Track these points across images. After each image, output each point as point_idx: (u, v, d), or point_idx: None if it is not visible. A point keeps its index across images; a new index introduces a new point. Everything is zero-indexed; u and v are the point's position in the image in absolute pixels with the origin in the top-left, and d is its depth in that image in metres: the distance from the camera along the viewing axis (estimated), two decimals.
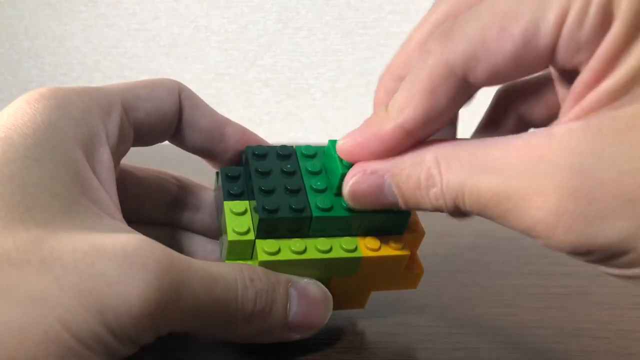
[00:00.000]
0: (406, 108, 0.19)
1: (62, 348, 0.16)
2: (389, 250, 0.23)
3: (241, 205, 0.23)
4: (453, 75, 0.18)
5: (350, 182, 0.21)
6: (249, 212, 0.23)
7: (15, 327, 0.15)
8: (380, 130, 0.19)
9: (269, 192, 0.22)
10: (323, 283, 0.23)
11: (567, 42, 0.16)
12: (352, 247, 0.23)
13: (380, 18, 0.69)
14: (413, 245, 0.24)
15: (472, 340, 0.25)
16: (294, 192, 0.23)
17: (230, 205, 0.23)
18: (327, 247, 0.22)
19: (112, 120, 0.21)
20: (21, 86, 0.73)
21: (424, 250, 0.35)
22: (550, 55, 0.17)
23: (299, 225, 0.22)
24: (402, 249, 0.23)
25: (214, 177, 0.26)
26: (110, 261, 0.17)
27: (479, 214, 0.19)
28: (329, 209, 0.22)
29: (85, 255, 0.17)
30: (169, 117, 0.24)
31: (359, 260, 0.23)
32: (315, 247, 0.22)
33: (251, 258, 0.23)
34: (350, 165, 0.21)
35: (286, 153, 0.24)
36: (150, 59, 0.71)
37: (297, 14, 0.69)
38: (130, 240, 0.18)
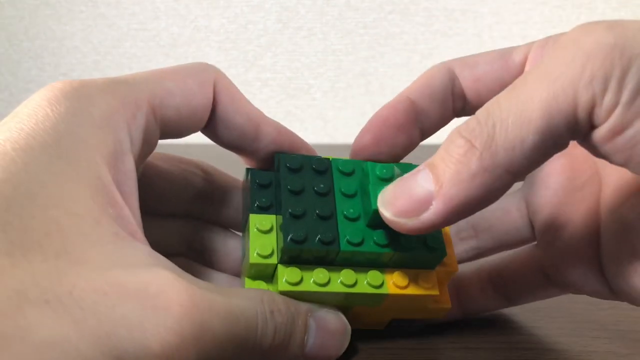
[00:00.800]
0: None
1: None
2: (417, 290, 0.21)
3: (267, 221, 0.22)
4: (447, 69, 0.24)
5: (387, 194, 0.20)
6: (274, 230, 0.22)
7: None
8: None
9: (298, 217, 0.21)
10: (343, 310, 0.22)
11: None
12: (378, 282, 0.21)
13: (380, 18, 0.69)
14: (444, 279, 0.23)
15: (472, 340, 0.25)
16: (325, 218, 0.21)
17: (256, 221, 0.22)
18: (352, 281, 0.21)
19: (137, 123, 0.20)
20: (21, 86, 0.73)
21: None
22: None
23: (326, 255, 0.21)
24: (431, 288, 0.22)
25: (241, 167, 0.25)
26: (131, 304, 0.16)
27: None
28: (359, 244, 0.21)
29: (106, 296, 0.16)
30: (199, 113, 0.22)
31: (385, 296, 0.21)
32: (339, 280, 0.21)
33: (272, 278, 0.22)
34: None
35: (322, 169, 0.23)
36: (150, 59, 0.71)
37: (297, 14, 0.69)
38: (153, 279, 0.17)
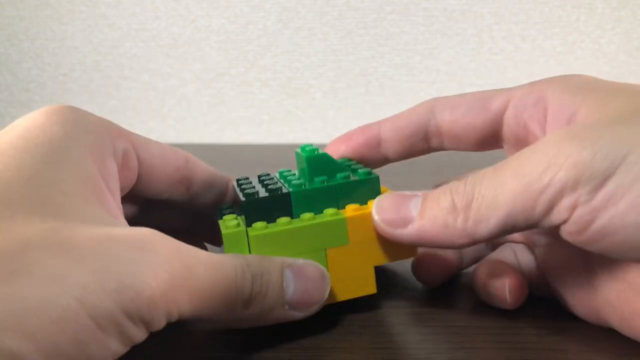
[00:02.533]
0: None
1: (79, 326, 0.16)
2: (370, 208, 0.25)
3: (232, 216, 0.26)
4: (429, 107, 0.31)
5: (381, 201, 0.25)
6: (240, 220, 0.25)
7: (34, 304, 0.16)
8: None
9: (249, 188, 0.26)
10: (320, 261, 0.25)
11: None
12: (334, 212, 0.25)
13: (380, 18, 0.69)
14: None
15: (472, 340, 0.25)
16: (272, 184, 0.26)
17: (224, 220, 0.26)
18: (311, 217, 0.25)
19: (119, 142, 0.24)
20: (21, 86, 0.73)
21: (423, 250, 0.35)
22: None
23: (280, 204, 0.25)
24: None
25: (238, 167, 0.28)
26: (123, 247, 0.18)
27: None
28: (303, 185, 0.26)
29: (101, 242, 0.18)
30: (172, 169, 0.26)
31: (344, 221, 0.25)
32: (300, 219, 0.25)
33: (249, 252, 0.24)
34: (312, 150, 0.27)
35: (264, 176, 0.28)
36: (150, 59, 0.71)
37: (297, 14, 0.69)
38: (142, 231, 0.19)
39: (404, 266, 0.32)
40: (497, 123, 0.28)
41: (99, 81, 0.72)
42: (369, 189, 0.26)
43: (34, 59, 0.72)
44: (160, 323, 0.19)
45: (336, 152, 0.30)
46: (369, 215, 0.25)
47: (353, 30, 0.69)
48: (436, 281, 0.29)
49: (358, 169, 0.27)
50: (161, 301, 0.18)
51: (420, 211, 0.23)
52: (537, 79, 0.28)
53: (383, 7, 0.68)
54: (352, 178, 0.26)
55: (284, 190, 0.25)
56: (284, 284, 0.23)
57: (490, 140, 0.29)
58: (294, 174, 0.28)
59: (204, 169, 0.28)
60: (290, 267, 0.23)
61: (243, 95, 0.71)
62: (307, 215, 0.25)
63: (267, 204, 0.25)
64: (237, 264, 0.21)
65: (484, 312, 0.27)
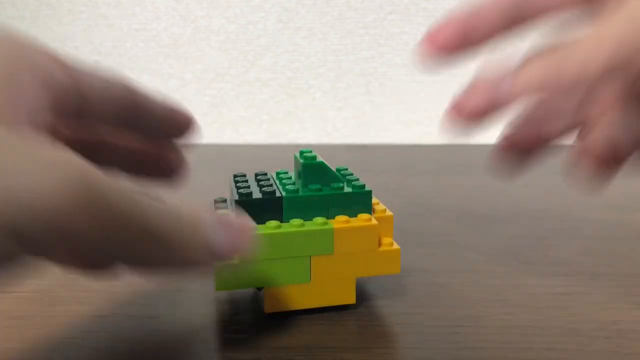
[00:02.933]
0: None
1: None
2: (358, 222, 0.26)
3: (225, 212, 0.27)
4: None
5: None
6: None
7: None
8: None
9: (245, 187, 0.26)
10: (303, 267, 0.26)
11: None
12: (322, 222, 0.26)
13: (380, 18, 0.69)
14: (386, 229, 0.28)
15: (472, 340, 0.25)
16: (267, 186, 0.27)
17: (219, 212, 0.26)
18: (300, 223, 0.25)
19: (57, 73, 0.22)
20: None
21: (424, 250, 0.35)
22: None
23: (273, 207, 0.26)
24: (370, 220, 0.26)
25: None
26: (29, 159, 0.16)
27: None
28: (297, 191, 0.26)
29: (5, 155, 0.16)
30: (116, 92, 0.23)
31: (331, 232, 0.25)
32: (289, 225, 0.25)
33: None
34: (310, 157, 0.27)
35: (262, 173, 0.29)
36: (151, 59, 0.71)
37: (297, 14, 0.69)
38: (55, 150, 0.17)
39: (403, 266, 0.32)
40: None
41: None
42: (360, 202, 0.27)
43: None
44: (52, 248, 0.17)
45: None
46: (357, 228, 0.26)
47: (353, 30, 0.69)
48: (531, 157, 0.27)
49: (353, 180, 0.28)
50: (59, 222, 0.16)
51: (514, 73, 0.23)
52: None
53: (383, 7, 0.68)
54: (345, 190, 0.27)
55: (277, 194, 0.26)
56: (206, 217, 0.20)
57: None
58: (290, 177, 0.29)
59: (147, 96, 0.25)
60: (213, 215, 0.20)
61: (243, 95, 0.71)
62: (296, 222, 0.25)
63: (259, 206, 0.26)
64: (144, 197, 0.18)
65: (483, 312, 0.27)
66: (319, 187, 0.27)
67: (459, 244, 0.36)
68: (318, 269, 0.26)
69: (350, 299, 0.27)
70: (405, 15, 0.68)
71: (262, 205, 0.26)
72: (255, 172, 0.29)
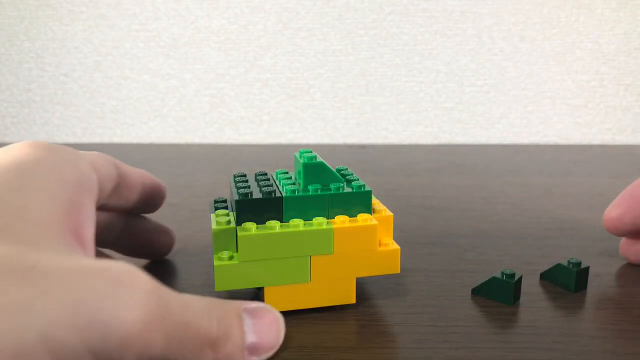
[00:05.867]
0: None
1: None
2: (358, 222, 0.26)
3: (224, 211, 0.27)
4: None
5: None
6: (231, 216, 0.27)
7: None
8: None
9: (245, 187, 0.26)
10: (304, 267, 0.25)
11: None
12: (323, 222, 0.26)
13: (380, 19, 0.69)
14: (385, 228, 0.27)
15: (472, 340, 0.25)
16: (267, 185, 0.27)
17: (217, 213, 0.27)
18: (300, 224, 0.25)
19: (100, 174, 0.23)
20: (22, 86, 0.73)
21: (423, 250, 0.35)
22: None
23: (273, 206, 0.26)
24: (369, 220, 0.26)
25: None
26: (97, 279, 0.16)
27: None
28: (297, 191, 0.26)
29: (70, 272, 0.16)
30: (112, 181, 0.25)
31: (331, 232, 0.25)
32: (289, 225, 0.25)
33: (236, 250, 0.25)
34: (310, 157, 0.27)
35: (263, 173, 0.29)
36: (151, 60, 0.71)
37: (297, 15, 0.69)
38: (118, 264, 0.17)
39: (403, 266, 0.32)
40: None
41: (99, 81, 0.72)
42: (360, 202, 0.27)
43: (35, 59, 0.72)
44: None
45: (612, 219, 0.32)
46: (357, 228, 0.26)
47: (353, 30, 0.69)
48: None
49: (353, 180, 0.28)
50: (136, 341, 0.16)
51: None
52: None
53: (383, 7, 0.68)
54: (345, 190, 0.27)
55: (277, 194, 0.26)
56: (244, 328, 0.21)
57: None
58: (290, 177, 0.29)
59: (127, 170, 0.27)
60: (247, 310, 0.22)
61: (243, 96, 0.71)
62: (296, 222, 0.25)
63: (259, 206, 0.26)
64: (203, 304, 0.20)
65: (484, 312, 0.27)
66: (319, 187, 0.27)
67: (458, 244, 0.36)
68: (318, 269, 0.26)
69: (351, 299, 0.27)
70: (405, 16, 0.68)
71: (262, 205, 0.26)
72: (256, 172, 0.29)
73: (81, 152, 0.23)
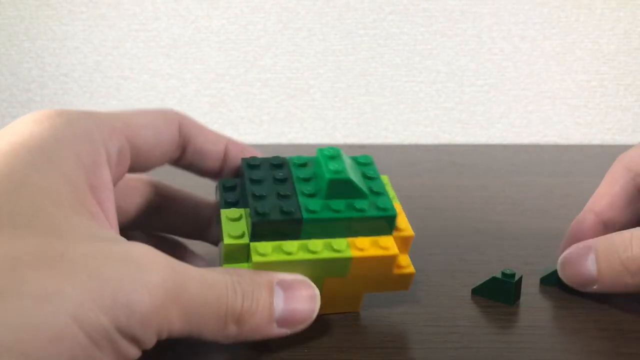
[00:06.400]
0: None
1: (75, 345, 0.16)
2: (378, 250, 0.24)
3: (236, 212, 0.25)
4: (628, 171, 0.29)
5: (565, 252, 0.28)
6: (244, 219, 0.24)
7: (28, 324, 0.15)
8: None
9: (261, 198, 0.24)
10: (316, 284, 0.24)
11: None
12: (341, 247, 0.24)
13: (380, 19, 0.69)
14: (403, 246, 0.26)
15: (472, 340, 0.25)
16: (285, 197, 0.24)
17: (226, 213, 0.25)
18: (317, 248, 0.23)
19: (113, 142, 0.23)
20: (22, 86, 0.73)
21: (423, 251, 0.35)
22: None
23: (291, 227, 0.24)
24: (391, 249, 0.24)
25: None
26: (118, 264, 0.18)
27: None
28: (318, 212, 0.24)
29: (95, 259, 0.17)
30: (166, 146, 0.26)
31: (349, 260, 0.24)
32: (306, 248, 0.24)
33: (247, 262, 0.24)
34: (336, 171, 0.24)
35: (279, 163, 0.26)
36: (151, 60, 0.71)
37: (297, 15, 0.69)
38: (136, 247, 0.19)
39: None
40: None
41: (99, 81, 0.72)
42: (384, 224, 0.25)
43: (35, 59, 0.72)
44: (151, 341, 0.18)
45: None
46: (376, 257, 0.24)
47: (353, 30, 0.69)
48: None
49: (381, 193, 0.25)
50: (154, 318, 0.18)
51: (598, 272, 0.26)
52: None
53: (383, 7, 0.68)
54: (369, 213, 0.24)
55: (297, 216, 0.24)
56: (274, 302, 0.22)
57: None
58: (309, 179, 0.25)
59: (200, 136, 0.27)
60: (280, 283, 0.22)
61: (243, 96, 0.71)
62: (315, 244, 0.24)
63: (278, 227, 0.24)
64: (228, 280, 0.21)
65: (484, 312, 0.27)
66: (343, 206, 0.24)
67: (458, 244, 0.36)
68: (329, 286, 0.25)
69: (356, 309, 0.27)
70: (405, 16, 0.68)
71: (280, 226, 0.24)
72: (271, 160, 0.26)
73: (110, 115, 0.23)
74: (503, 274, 0.28)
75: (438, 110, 0.70)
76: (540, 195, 0.46)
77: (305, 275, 0.24)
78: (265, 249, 0.23)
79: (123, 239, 0.20)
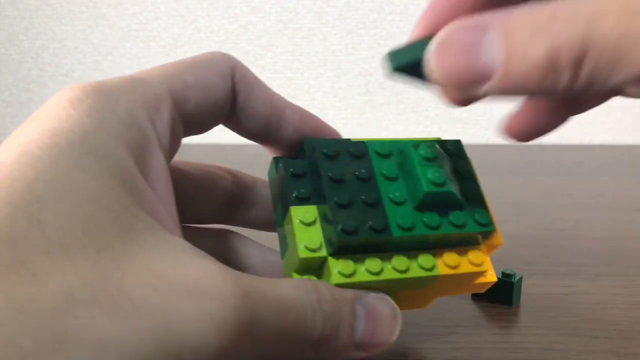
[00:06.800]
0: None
1: None
2: (469, 267, 0.21)
3: (310, 212, 0.21)
4: None
5: (442, 32, 0.17)
6: (318, 222, 0.21)
7: None
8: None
9: (344, 207, 0.20)
10: (392, 294, 0.21)
11: None
12: (430, 265, 0.21)
13: (380, 18, 0.69)
14: (488, 252, 0.23)
15: (472, 340, 0.25)
16: (372, 205, 0.20)
17: (298, 213, 0.21)
18: (404, 267, 0.20)
19: (162, 119, 0.19)
20: (22, 86, 0.73)
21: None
22: None
23: (377, 243, 0.20)
24: (482, 265, 0.22)
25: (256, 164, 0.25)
26: (184, 297, 0.15)
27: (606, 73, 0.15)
28: (411, 229, 0.20)
29: (157, 291, 0.15)
30: (220, 106, 0.22)
31: (436, 278, 0.21)
32: (392, 267, 0.20)
33: (320, 269, 0.21)
34: (436, 182, 0.20)
35: (359, 153, 0.22)
36: (151, 60, 0.71)
37: (297, 14, 0.69)
38: (202, 271, 0.16)
39: None
40: None
41: None
42: (476, 236, 0.22)
43: (35, 59, 0.72)
44: None
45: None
46: (464, 275, 0.22)
47: (353, 30, 0.69)
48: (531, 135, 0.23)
49: (477, 201, 0.22)
50: (223, 358, 0.16)
51: (506, 51, 0.16)
52: None
53: (383, 7, 0.68)
54: (469, 227, 0.21)
55: (387, 235, 0.20)
56: (355, 324, 0.19)
57: None
58: (395, 179, 0.22)
59: (252, 92, 0.23)
60: (362, 303, 0.20)
61: None
62: (400, 261, 0.20)
63: (364, 244, 0.20)
64: (307, 302, 0.18)
65: (484, 313, 0.27)
66: (438, 221, 0.21)
67: None
68: (405, 296, 0.22)
69: (424, 307, 0.24)
70: (405, 16, 0.68)
71: (367, 243, 0.20)
72: (350, 147, 0.22)
73: (153, 79, 0.20)
74: (503, 274, 0.28)
75: (438, 110, 0.70)
76: (540, 195, 0.46)
77: (385, 288, 0.21)
78: (347, 268, 0.20)
79: (187, 247, 0.17)
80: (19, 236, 0.14)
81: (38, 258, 0.14)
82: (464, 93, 0.17)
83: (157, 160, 0.19)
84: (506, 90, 0.16)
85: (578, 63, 0.15)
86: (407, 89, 0.70)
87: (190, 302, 0.15)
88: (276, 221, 0.23)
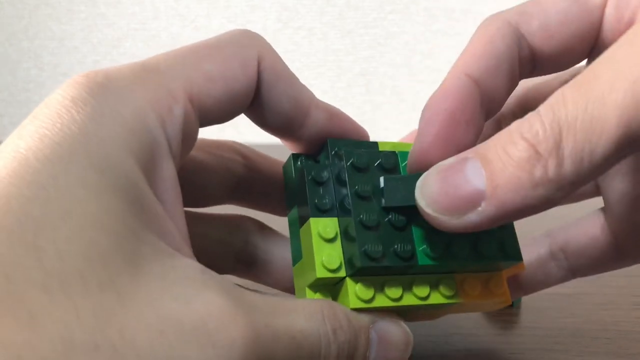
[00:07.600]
0: (467, 57, 0.19)
1: None
2: (488, 295, 0.20)
3: (330, 227, 0.19)
4: (508, 25, 0.20)
5: (421, 184, 0.18)
6: (339, 238, 0.19)
7: None
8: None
9: (370, 228, 0.19)
10: (405, 311, 0.20)
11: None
12: (451, 293, 0.20)
13: (380, 18, 0.69)
14: (507, 274, 0.22)
15: (472, 340, 0.25)
16: (400, 229, 0.19)
17: (319, 227, 0.19)
18: (425, 294, 0.19)
19: (174, 120, 0.17)
20: (21, 86, 0.73)
21: None
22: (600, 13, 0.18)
23: (400, 269, 0.19)
24: (503, 293, 0.20)
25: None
26: (191, 343, 0.14)
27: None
28: (438, 258, 0.19)
29: (162, 335, 0.14)
30: (241, 98, 0.20)
31: (457, 304, 0.20)
32: (412, 293, 0.19)
33: (335, 286, 0.20)
34: None
35: (389, 166, 0.20)
36: None
37: (297, 14, 0.69)
38: (211, 309, 0.15)
39: None
40: (596, 26, 0.19)
41: None
42: (501, 264, 0.20)
43: (34, 58, 0.72)
44: None
45: (428, 151, 0.20)
46: (485, 303, 0.21)
47: (353, 29, 0.69)
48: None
49: (505, 228, 0.20)
50: None
51: (488, 179, 0.16)
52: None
53: (383, 6, 0.68)
54: (497, 257, 0.20)
55: (414, 263, 0.19)
56: (368, 354, 0.19)
57: (586, 50, 0.20)
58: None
59: (277, 85, 0.21)
60: (376, 328, 0.19)
61: None
62: (421, 290, 0.19)
63: (387, 268, 0.19)
64: (322, 332, 0.17)
65: (485, 313, 0.27)
66: (467, 250, 0.19)
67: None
68: (417, 314, 0.22)
69: (434, 318, 0.24)
70: (405, 15, 0.68)
71: (390, 268, 0.19)
72: (381, 156, 0.20)
73: (166, 69, 0.18)
74: None
75: None
76: None
77: (401, 310, 0.20)
78: (366, 294, 0.19)
79: (197, 272, 0.16)
80: (15, 267, 0.13)
81: (36, 295, 0.13)
82: (465, 216, 0.17)
83: (167, 169, 0.17)
84: (498, 214, 0.16)
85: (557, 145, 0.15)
86: (407, 88, 0.70)
87: (197, 350, 0.14)
88: (288, 218, 0.21)
